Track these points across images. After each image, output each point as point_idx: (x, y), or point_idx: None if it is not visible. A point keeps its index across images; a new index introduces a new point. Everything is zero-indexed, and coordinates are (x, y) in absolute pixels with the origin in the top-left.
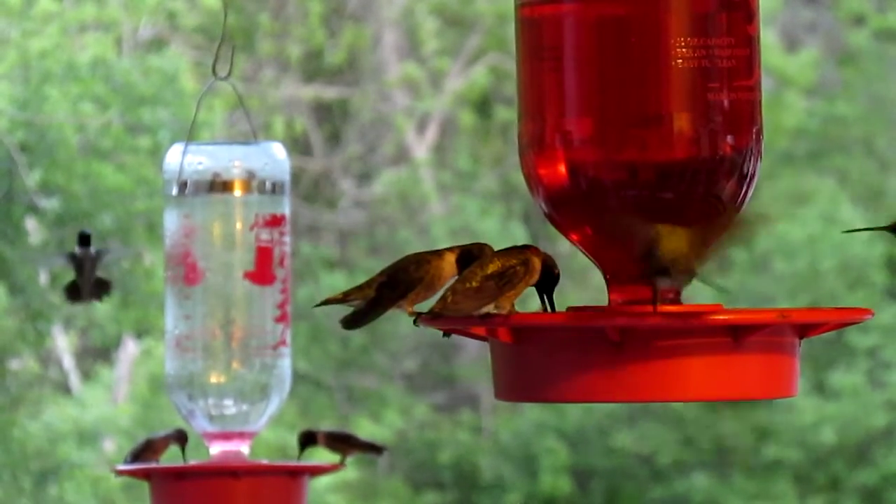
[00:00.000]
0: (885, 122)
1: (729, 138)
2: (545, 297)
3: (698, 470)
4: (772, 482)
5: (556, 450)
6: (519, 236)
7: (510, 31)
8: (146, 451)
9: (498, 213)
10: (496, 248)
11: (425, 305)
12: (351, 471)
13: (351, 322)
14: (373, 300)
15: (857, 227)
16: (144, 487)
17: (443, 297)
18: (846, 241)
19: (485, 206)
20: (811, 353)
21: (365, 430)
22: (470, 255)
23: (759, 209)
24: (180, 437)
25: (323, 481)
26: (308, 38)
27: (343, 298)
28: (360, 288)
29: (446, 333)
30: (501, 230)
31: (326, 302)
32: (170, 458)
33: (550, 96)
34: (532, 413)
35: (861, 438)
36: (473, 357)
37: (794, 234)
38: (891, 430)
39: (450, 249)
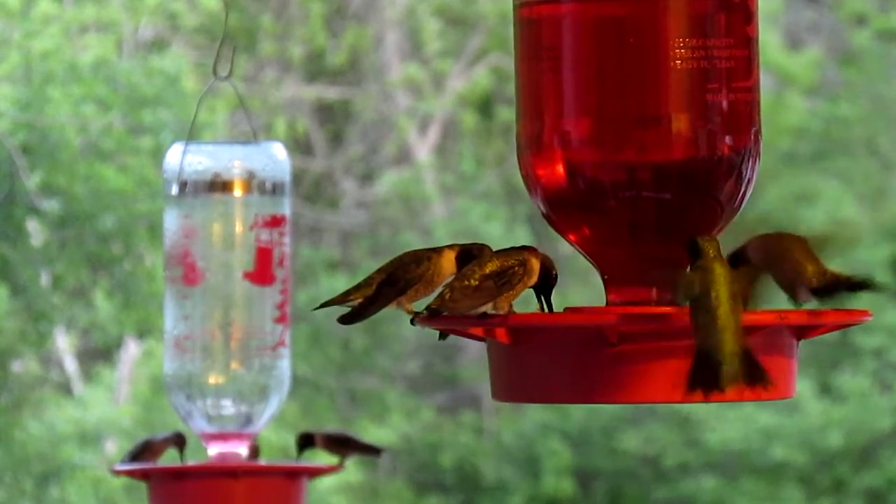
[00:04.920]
0: (887, 122)
1: (727, 139)
2: (543, 299)
3: (703, 472)
4: (778, 485)
5: (559, 451)
6: (523, 239)
7: (511, 31)
8: (144, 452)
9: (502, 215)
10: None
11: (423, 304)
12: (353, 473)
13: (348, 318)
14: (371, 297)
15: None
16: (145, 489)
17: (440, 295)
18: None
19: (489, 210)
20: (817, 355)
21: (368, 432)
22: (469, 255)
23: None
24: (179, 441)
25: (325, 483)
26: (310, 39)
27: (343, 299)
28: (359, 287)
29: (443, 335)
30: (505, 233)
31: (327, 304)
32: (168, 459)
33: (549, 97)
34: (535, 414)
35: (867, 441)
36: (475, 358)
37: None
38: None
39: (449, 247)
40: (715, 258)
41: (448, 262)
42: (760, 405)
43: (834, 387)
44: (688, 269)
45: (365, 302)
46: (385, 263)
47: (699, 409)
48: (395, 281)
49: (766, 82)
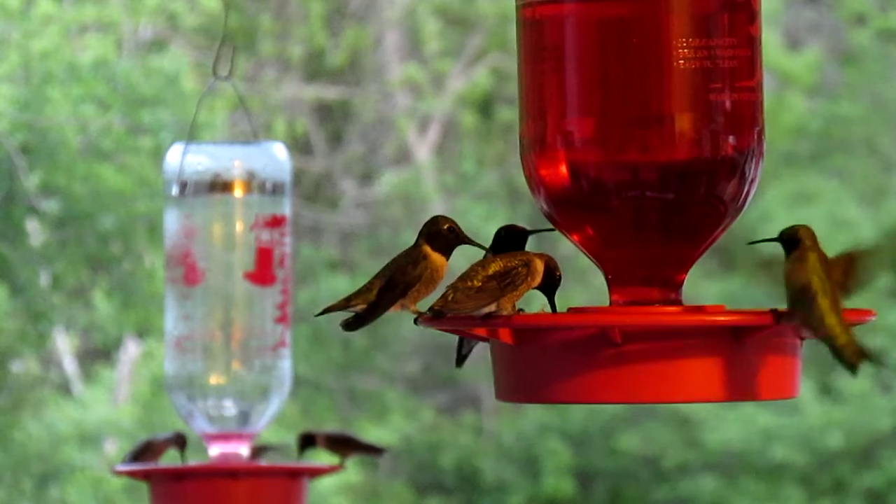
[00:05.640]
0: (887, 122)
1: (731, 139)
2: (547, 299)
3: (703, 472)
4: (778, 485)
5: (558, 451)
6: None
7: (512, 31)
8: (145, 452)
9: (502, 215)
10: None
11: (426, 303)
12: (353, 473)
13: (352, 325)
14: (373, 303)
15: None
16: (146, 489)
17: (444, 296)
18: (852, 242)
19: (489, 210)
20: (817, 355)
21: (368, 433)
22: (443, 240)
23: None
24: (179, 441)
25: (325, 484)
26: (309, 39)
27: (345, 304)
28: (360, 292)
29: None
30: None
31: (328, 310)
32: (169, 459)
33: (552, 97)
34: (534, 414)
35: (867, 442)
36: (475, 358)
37: None
38: None
39: (427, 241)
40: (811, 248)
41: (439, 258)
42: (761, 405)
43: (834, 387)
44: (786, 261)
45: (368, 308)
46: (384, 266)
47: (699, 410)
48: (394, 285)
49: (766, 82)
